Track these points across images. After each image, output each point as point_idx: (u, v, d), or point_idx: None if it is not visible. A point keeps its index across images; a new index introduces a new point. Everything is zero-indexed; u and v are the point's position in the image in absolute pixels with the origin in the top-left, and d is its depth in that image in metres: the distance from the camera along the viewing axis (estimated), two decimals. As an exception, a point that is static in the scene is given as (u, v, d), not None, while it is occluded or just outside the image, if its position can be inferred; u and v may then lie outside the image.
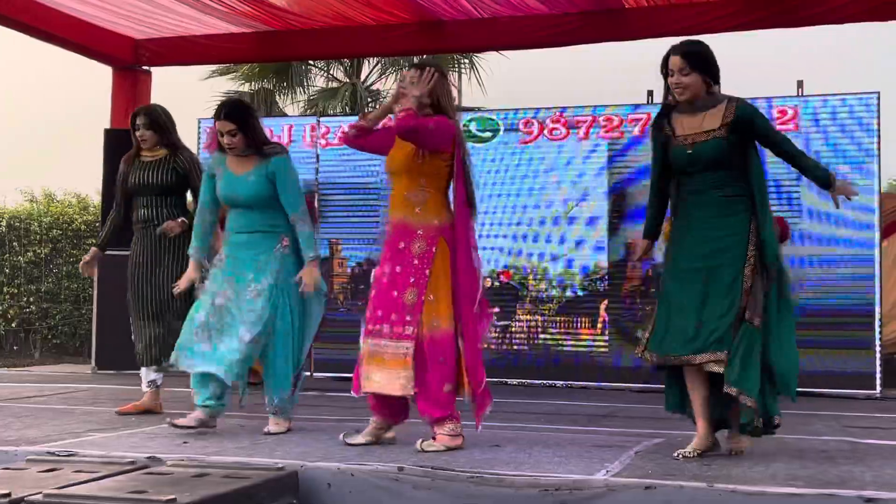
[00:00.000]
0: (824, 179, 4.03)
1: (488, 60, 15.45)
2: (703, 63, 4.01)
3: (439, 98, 4.25)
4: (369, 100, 15.93)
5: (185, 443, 4.18)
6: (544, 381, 7.98)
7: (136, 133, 5.50)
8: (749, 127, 4.02)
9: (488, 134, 8.24)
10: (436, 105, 4.24)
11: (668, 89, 4.09)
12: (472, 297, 4.22)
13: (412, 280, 4.20)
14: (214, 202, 4.84)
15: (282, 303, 4.66)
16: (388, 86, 16.32)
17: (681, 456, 3.93)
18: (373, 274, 4.42)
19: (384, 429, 4.31)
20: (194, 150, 8.81)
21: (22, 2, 8.04)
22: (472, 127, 8.25)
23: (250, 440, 4.32)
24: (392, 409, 4.30)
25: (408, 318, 4.17)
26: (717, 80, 4.05)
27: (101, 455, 3.75)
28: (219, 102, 4.75)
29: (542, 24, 8.19)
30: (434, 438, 4.14)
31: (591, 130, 7.99)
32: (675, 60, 4.00)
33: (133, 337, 5.50)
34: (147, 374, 5.42)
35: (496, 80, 15.75)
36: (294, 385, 4.75)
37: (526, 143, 8.16)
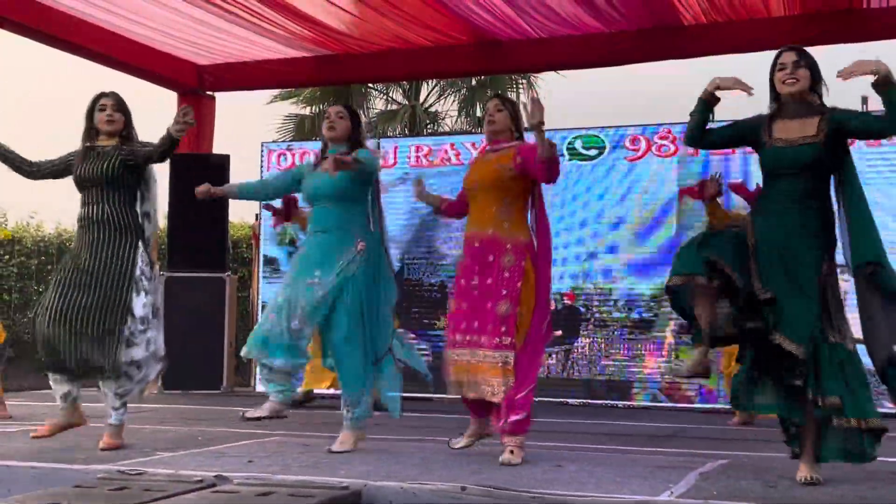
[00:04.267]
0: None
1: (545, 80, 15.45)
2: (812, 63, 4.00)
3: (519, 125, 4.54)
4: (427, 122, 16.00)
5: (250, 461, 4.24)
6: (605, 402, 7.92)
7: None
8: (846, 130, 3.92)
9: (594, 152, 8.22)
10: (519, 133, 4.54)
11: (773, 96, 4.04)
12: (545, 317, 4.38)
13: (504, 292, 4.31)
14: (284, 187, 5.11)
15: (349, 298, 4.56)
16: (445, 107, 16.39)
17: (806, 479, 3.69)
18: (454, 286, 4.55)
19: (483, 426, 4.50)
20: (257, 175, 8.88)
21: (89, 29, 8.26)
22: (577, 145, 8.26)
23: (314, 459, 4.36)
24: (487, 409, 4.43)
25: (503, 328, 4.28)
26: (820, 89, 4.02)
27: (170, 474, 3.81)
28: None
29: (599, 42, 8.18)
30: (512, 452, 4.21)
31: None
32: (789, 55, 4.00)
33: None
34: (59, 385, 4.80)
35: (554, 100, 15.74)
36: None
37: (634, 160, 8.10)
